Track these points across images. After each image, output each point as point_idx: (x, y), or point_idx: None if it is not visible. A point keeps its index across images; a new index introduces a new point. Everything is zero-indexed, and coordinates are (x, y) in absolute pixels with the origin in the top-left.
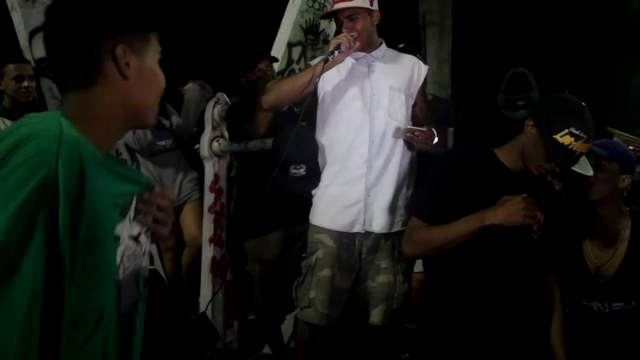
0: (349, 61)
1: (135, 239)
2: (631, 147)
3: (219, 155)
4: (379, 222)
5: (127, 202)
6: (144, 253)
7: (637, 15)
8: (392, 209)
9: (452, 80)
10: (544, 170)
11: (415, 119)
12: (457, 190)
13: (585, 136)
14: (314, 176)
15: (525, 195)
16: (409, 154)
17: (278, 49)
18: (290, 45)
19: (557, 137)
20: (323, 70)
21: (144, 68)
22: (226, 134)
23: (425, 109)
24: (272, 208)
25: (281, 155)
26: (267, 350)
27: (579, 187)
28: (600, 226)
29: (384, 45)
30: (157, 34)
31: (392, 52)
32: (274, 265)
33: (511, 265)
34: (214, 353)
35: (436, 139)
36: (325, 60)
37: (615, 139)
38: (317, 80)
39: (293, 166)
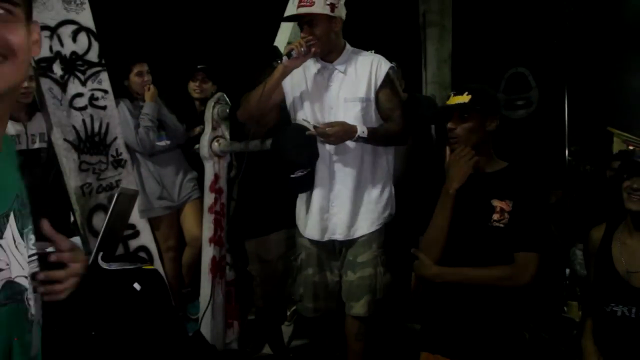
0: (313, 70)
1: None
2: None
3: (219, 155)
4: (340, 231)
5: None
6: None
7: (637, 15)
8: (353, 218)
9: (452, 81)
10: (451, 136)
11: (382, 120)
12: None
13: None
14: (312, 177)
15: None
16: (379, 162)
17: None
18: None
19: None
20: (280, 77)
21: None
22: (226, 134)
23: (386, 107)
24: (272, 208)
25: (287, 159)
26: (267, 350)
27: (623, 198)
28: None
29: (346, 50)
30: None
31: (355, 57)
32: (275, 266)
33: (478, 254)
34: (214, 353)
35: (358, 133)
36: (275, 66)
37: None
38: (273, 87)
39: (300, 170)
